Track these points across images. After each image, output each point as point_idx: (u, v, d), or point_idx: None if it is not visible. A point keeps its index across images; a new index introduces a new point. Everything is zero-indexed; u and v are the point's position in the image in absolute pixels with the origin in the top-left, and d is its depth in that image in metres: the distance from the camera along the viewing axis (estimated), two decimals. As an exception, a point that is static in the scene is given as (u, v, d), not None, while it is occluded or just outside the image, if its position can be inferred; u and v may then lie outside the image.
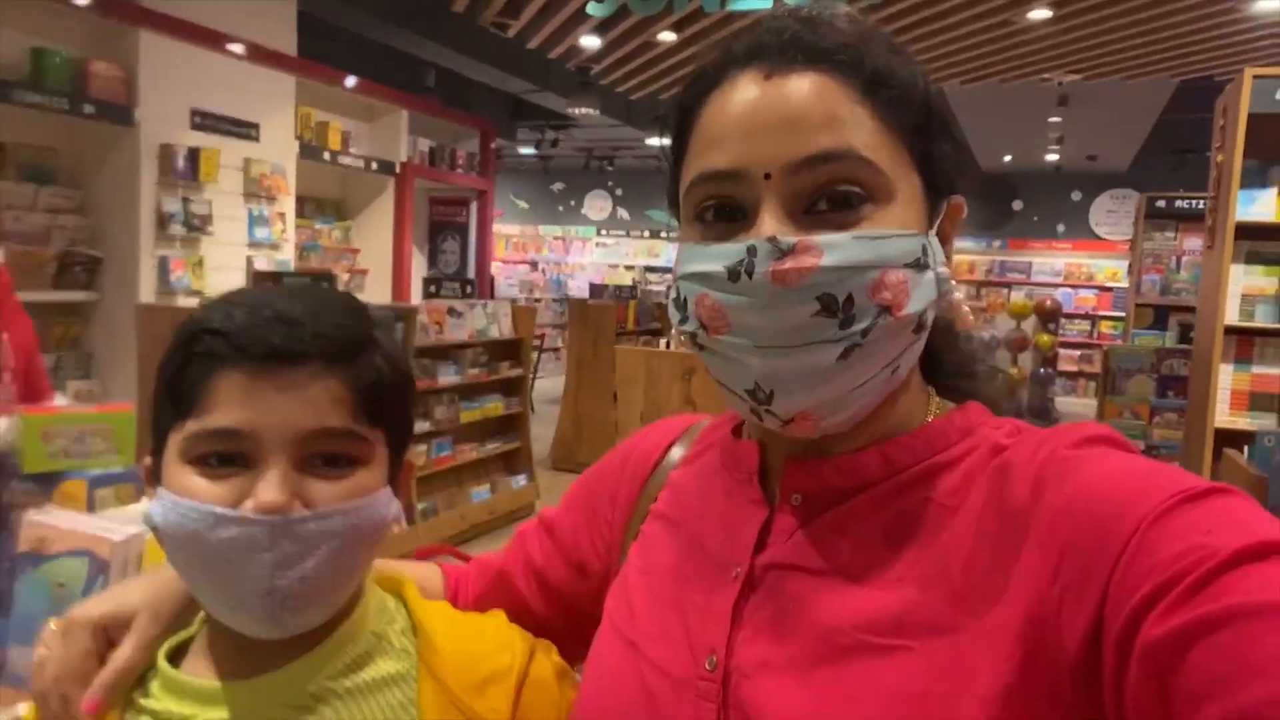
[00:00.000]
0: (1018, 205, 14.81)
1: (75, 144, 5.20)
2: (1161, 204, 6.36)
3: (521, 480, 5.82)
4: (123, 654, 0.71)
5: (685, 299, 0.63)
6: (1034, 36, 6.84)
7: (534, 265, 16.19)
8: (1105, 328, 13.52)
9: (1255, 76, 3.26)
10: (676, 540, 0.72)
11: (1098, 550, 0.49)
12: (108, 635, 0.73)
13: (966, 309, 0.73)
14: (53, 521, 1.20)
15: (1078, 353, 13.32)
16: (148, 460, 0.70)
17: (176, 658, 0.72)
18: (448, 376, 5.12)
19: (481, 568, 0.91)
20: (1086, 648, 0.49)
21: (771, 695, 0.59)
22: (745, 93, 0.60)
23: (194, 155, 5.40)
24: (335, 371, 0.65)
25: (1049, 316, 9.21)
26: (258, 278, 4.19)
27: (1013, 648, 0.52)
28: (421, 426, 4.91)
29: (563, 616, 0.84)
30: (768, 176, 0.58)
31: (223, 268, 5.58)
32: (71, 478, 1.33)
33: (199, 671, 0.70)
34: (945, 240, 0.65)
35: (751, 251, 0.57)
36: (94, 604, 0.75)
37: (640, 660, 0.67)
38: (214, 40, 5.51)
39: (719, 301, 0.60)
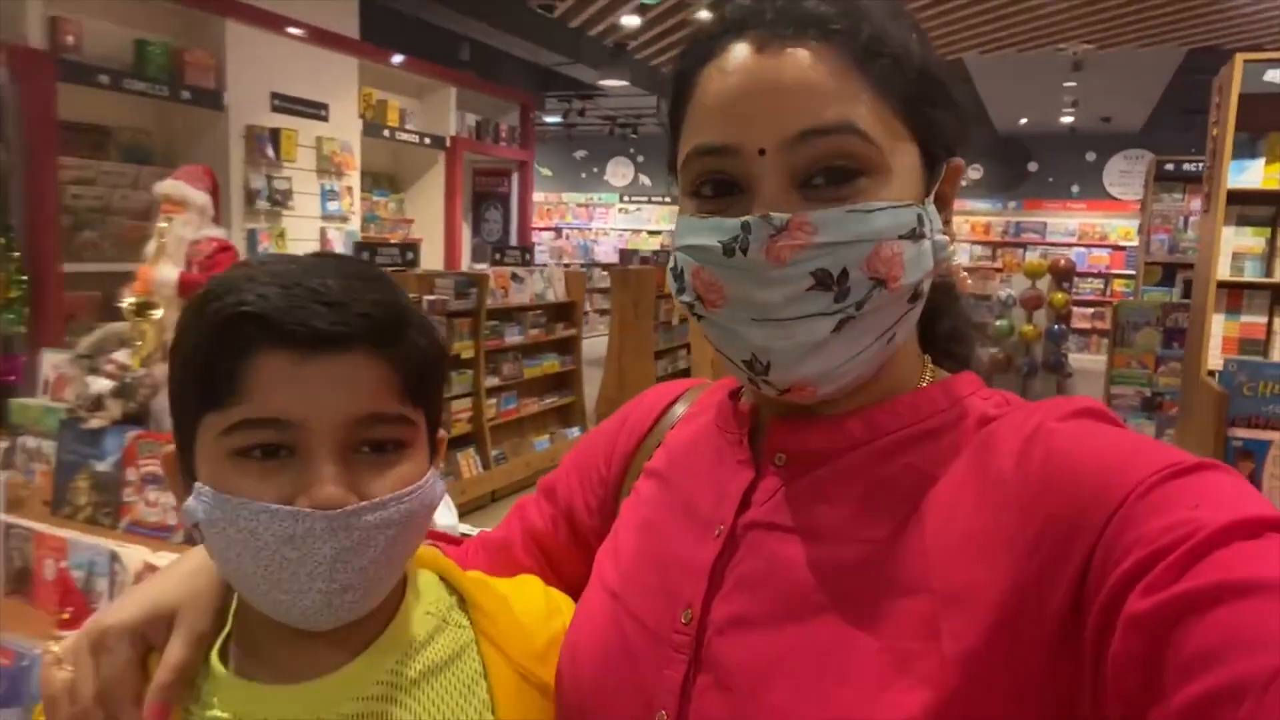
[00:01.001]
0: (1033, 167, 15.36)
1: (168, 126, 5.81)
2: (1170, 167, 6.78)
3: (576, 432, 6.47)
4: (175, 653, 0.67)
5: (682, 270, 0.64)
6: (1049, 9, 7.36)
7: (558, 232, 16.77)
8: (1118, 286, 14.10)
9: (1245, 60, 3.77)
10: (666, 497, 0.74)
11: (1080, 521, 0.51)
12: (145, 641, 0.69)
13: (964, 274, 0.85)
14: None
15: (1091, 310, 13.91)
16: (168, 450, 0.67)
17: (222, 659, 0.69)
18: (513, 337, 5.76)
19: (483, 543, 0.93)
20: (1066, 617, 0.50)
21: (741, 650, 0.61)
22: (738, 65, 0.61)
23: (275, 136, 6.00)
24: (382, 352, 0.62)
25: (1063, 275, 9.78)
26: (357, 248, 4.76)
27: (984, 613, 0.53)
28: (491, 381, 5.57)
29: (564, 581, 0.85)
30: (762, 152, 0.59)
31: (301, 239, 6.20)
32: None
33: (254, 673, 0.67)
34: (945, 202, 0.66)
35: (746, 228, 0.59)
36: (125, 608, 0.70)
37: (621, 611, 0.69)
38: (290, 27, 6.06)
39: (714, 276, 0.61)
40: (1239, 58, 3.79)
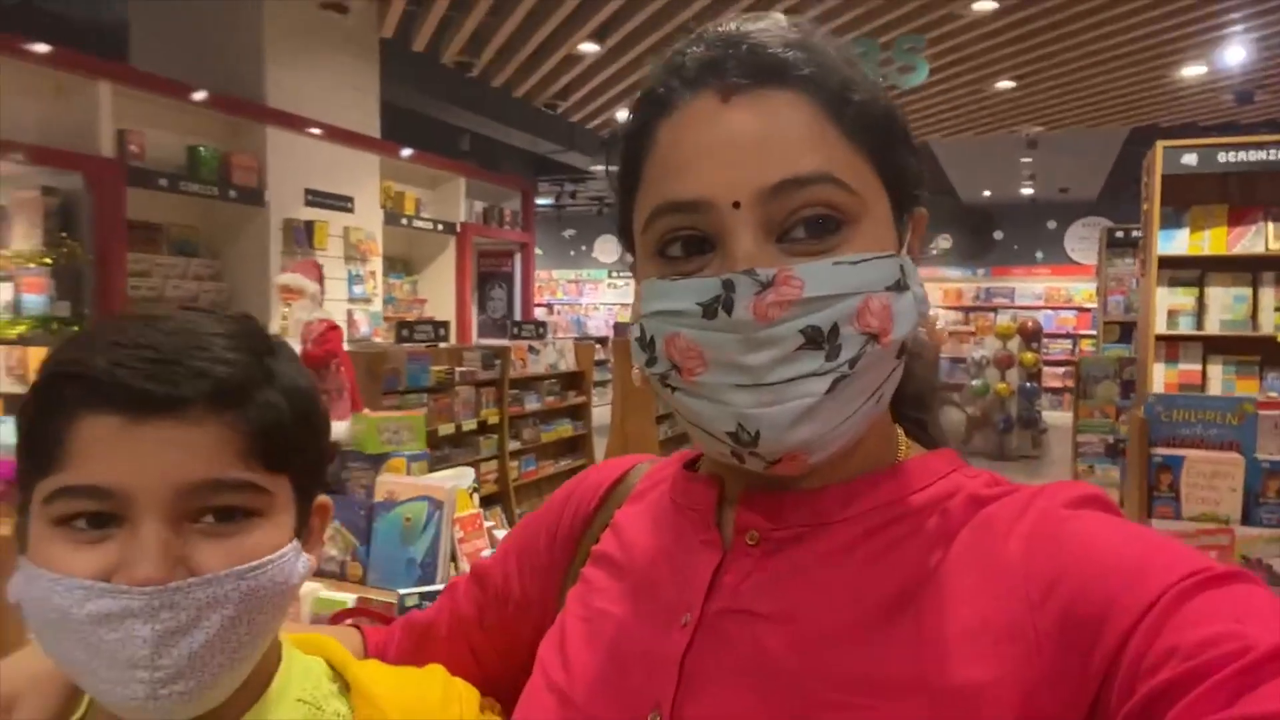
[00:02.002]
0: (998, 235, 16.40)
1: (213, 222, 6.47)
2: (1120, 235, 7.43)
3: (587, 492, 7.01)
4: None
5: (653, 339, 0.60)
6: (1002, 100, 8.30)
7: (550, 308, 17.49)
8: (1086, 345, 14.84)
9: (1165, 147, 4.31)
10: (620, 584, 0.70)
11: (1103, 619, 0.49)
12: None
13: (940, 324, 0.93)
14: (398, 479, 1.80)
15: (1062, 369, 14.61)
16: (13, 520, 0.62)
17: None
18: (531, 404, 6.40)
19: (407, 627, 0.88)
20: (1088, 718, 0.49)
21: None
22: (704, 116, 0.59)
23: (309, 227, 6.65)
24: (222, 414, 0.58)
25: (1031, 336, 10.62)
26: (399, 327, 5.38)
27: (994, 714, 0.51)
28: (514, 445, 6.17)
29: (490, 671, 0.82)
30: (737, 205, 0.56)
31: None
32: (394, 456, 1.99)
33: None
34: (913, 256, 0.63)
35: (728, 286, 0.56)
36: None
37: (572, 714, 0.64)
38: (321, 129, 6.79)
39: (694, 340, 0.58)
40: (1159, 144, 4.37)
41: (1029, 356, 10.57)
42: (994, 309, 15.60)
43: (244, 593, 0.59)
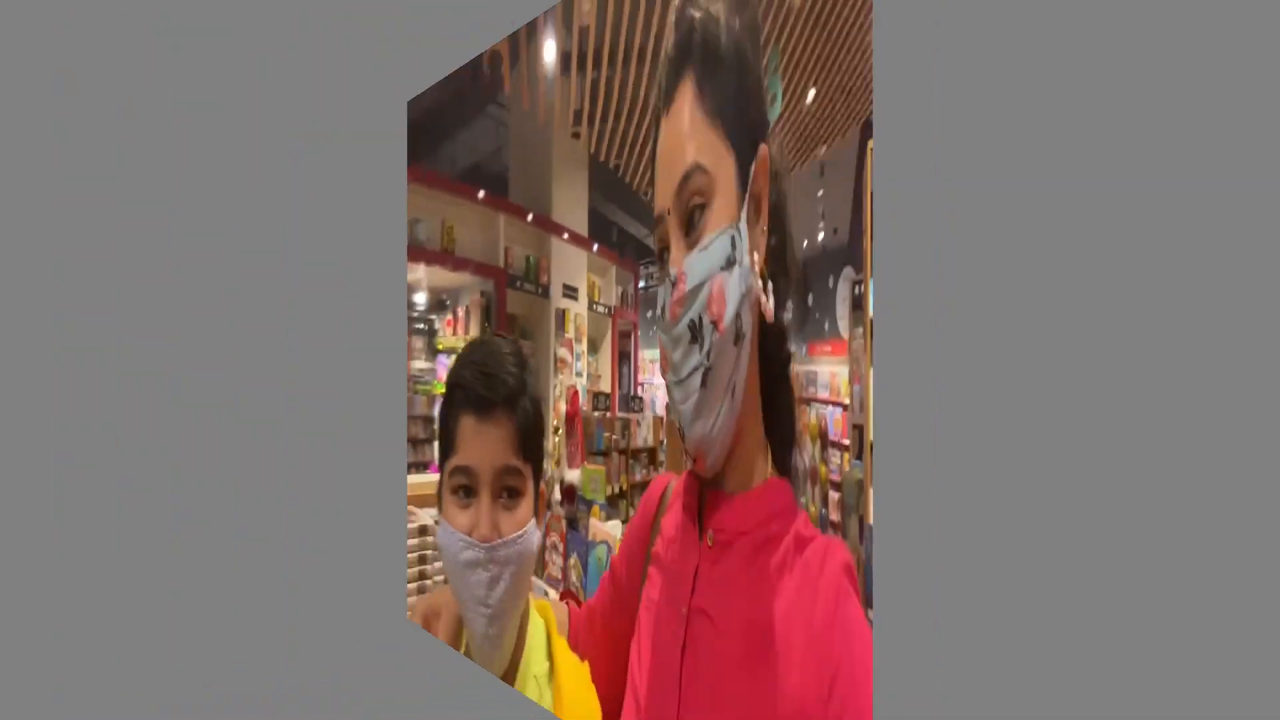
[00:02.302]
0: (810, 299, 10.05)
1: (531, 313, 8.01)
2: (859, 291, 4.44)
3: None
4: (441, 638, 0.85)
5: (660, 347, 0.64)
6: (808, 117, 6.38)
7: (641, 386, 16.37)
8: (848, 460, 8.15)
9: (874, 148, 2.53)
10: (661, 579, 0.79)
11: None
12: (427, 625, 0.87)
13: (765, 299, 0.65)
14: (597, 523, 2.17)
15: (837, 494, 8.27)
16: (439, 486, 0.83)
17: None
18: (637, 476, 6.65)
19: (584, 611, 1.01)
20: None
21: None
22: (662, 132, 0.63)
23: (562, 315, 8.37)
24: (510, 415, 0.80)
25: (824, 442, 7.17)
26: (594, 397, 6.55)
27: None
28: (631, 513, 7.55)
29: (620, 655, 0.87)
30: (669, 212, 0.61)
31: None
32: (595, 504, 2.33)
33: None
34: (759, 201, 0.63)
35: (666, 290, 0.62)
36: (420, 603, 0.89)
37: (636, 700, 0.74)
38: (568, 234, 8.41)
39: (663, 343, 0.64)
40: (870, 145, 2.92)
41: (824, 470, 7.13)
42: (808, 401, 9.39)
43: (518, 554, 0.80)
